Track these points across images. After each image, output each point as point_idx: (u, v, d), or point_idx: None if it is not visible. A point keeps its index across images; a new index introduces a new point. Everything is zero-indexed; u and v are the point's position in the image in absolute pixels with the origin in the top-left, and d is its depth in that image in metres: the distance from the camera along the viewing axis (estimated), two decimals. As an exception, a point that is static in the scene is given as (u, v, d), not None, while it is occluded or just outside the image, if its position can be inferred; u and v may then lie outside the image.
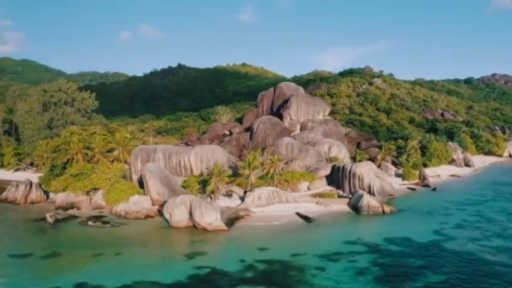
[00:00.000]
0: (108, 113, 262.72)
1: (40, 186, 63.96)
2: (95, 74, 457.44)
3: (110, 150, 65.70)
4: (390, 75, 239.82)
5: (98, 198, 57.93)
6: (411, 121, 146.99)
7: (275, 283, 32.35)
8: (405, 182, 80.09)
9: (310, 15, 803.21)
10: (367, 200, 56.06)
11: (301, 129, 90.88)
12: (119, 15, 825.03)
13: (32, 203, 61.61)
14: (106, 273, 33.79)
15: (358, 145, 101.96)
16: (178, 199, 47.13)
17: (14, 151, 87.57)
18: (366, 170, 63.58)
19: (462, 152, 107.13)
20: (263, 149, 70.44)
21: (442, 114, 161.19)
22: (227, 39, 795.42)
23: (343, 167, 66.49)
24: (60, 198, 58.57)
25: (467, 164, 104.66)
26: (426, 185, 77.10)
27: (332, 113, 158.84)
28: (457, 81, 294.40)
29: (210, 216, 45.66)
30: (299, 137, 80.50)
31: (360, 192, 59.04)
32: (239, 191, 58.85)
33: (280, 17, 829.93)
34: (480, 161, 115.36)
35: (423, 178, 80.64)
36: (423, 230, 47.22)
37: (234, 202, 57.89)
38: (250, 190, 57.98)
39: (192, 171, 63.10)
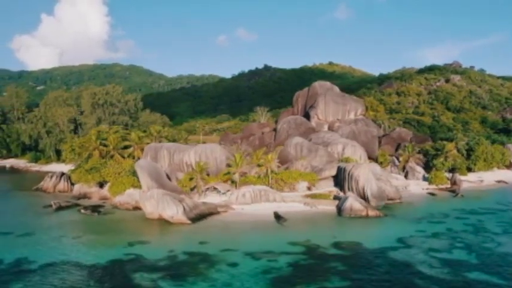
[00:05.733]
0: (197, 113, 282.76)
1: (69, 178, 72.99)
2: (191, 77, 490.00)
3: (127, 147, 72.34)
4: (481, 71, 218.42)
5: (105, 190, 64.59)
6: (483, 121, 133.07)
7: (176, 273, 33.77)
8: (432, 186, 74.35)
9: (409, 8, 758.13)
10: (350, 203, 53.92)
11: (328, 129, 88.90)
12: (217, 20, 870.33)
13: (59, 192, 70.76)
14: (46, 252, 38.63)
15: (398, 146, 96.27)
16: (149, 192, 50.91)
17: (71, 147, 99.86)
18: (364, 172, 60.61)
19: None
20: (265, 150, 71.10)
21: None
22: (318, 38, 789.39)
23: (344, 168, 64.34)
24: (76, 188, 66.83)
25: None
26: (453, 191, 70.70)
27: (394, 112, 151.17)
28: None
29: (171, 210, 48.53)
30: (315, 137, 79.14)
31: (348, 194, 57.01)
32: (222, 188, 60.62)
33: (376, 13, 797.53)
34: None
35: (453, 183, 74.00)
36: (387, 237, 44.25)
37: (223, 199, 60.01)
38: (237, 188, 59.58)
39: (192, 168, 66.52)
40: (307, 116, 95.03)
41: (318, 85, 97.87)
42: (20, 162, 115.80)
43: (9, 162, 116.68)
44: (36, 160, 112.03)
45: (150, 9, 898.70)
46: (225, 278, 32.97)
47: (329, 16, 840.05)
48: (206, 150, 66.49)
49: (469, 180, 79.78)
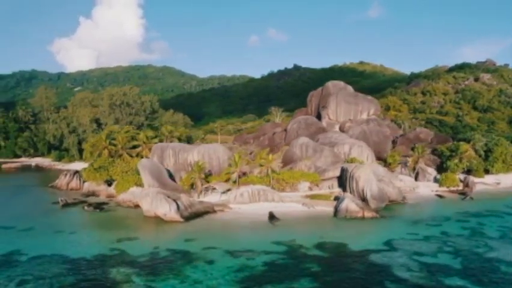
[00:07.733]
0: (226, 113, 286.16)
1: (81, 176, 75.88)
2: (222, 78, 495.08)
3: (135, 147, 74.44)
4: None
5: (112, 188, 66.77)
6: (511, 121, 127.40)
7: (152, 269, 34.65)
8: (443, 188, 72.24)
9: (446, 5, 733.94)
10: (346, 204, 53.36)
11: (340, 129, 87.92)
12: (249, 21, 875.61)
13: (72, 189, 73.73)
14: (39, 245, 40.53)
15: (414, 147, 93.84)
16: (145, 191, 52.34)
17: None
18: (365, 173, 59.64)
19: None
20: (270, 149, 71.25)
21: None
22: (349, 38, 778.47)
23: (346, 168, 63.56)
24: (85, 186, 69.45)
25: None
26: (463, 193, 68.41)
27: (418, 111, 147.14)
28: None
29: (164, 208, 49.66)
30: (323, 137, 78.46)
31: (345, 195, 56.38)
32: (221, 187, 61.24)
33: (410, 11, 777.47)
34: None
35: (466, 185, 71.61)
36: (375, 239, 43.53)
37: (222, 198, 60.72)
38: (238, 187, 60.12)
39: (196, 167, 67.66)
40: (320, 116, 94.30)
41: (331, 85, 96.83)
42: (45, 161, 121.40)
43: (35, 161, 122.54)
44: (60, 159, 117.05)
45: (183, 10, 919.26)
46: (197, 275, 33.62)
47: (362, 15, 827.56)
48: (209, 150, 67.45)
49: (485, 183, 76.85)
